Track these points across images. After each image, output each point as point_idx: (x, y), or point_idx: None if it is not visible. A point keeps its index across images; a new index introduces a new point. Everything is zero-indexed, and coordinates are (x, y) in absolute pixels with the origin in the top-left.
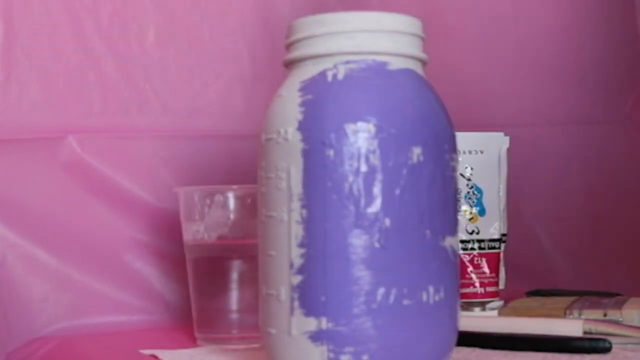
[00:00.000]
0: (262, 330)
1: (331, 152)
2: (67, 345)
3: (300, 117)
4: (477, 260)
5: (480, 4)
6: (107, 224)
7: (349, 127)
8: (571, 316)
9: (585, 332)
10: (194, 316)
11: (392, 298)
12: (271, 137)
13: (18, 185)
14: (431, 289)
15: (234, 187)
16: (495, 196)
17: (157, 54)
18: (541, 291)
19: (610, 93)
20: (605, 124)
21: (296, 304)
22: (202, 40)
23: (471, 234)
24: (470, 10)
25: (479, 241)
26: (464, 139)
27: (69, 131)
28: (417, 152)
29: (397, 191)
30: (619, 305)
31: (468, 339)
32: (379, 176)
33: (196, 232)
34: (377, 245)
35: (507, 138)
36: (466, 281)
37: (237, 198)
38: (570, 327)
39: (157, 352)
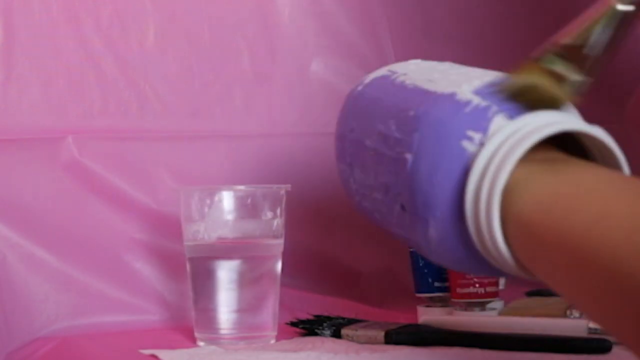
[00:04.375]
0: None
1: None
2: (67, 345)
3: None
4: None
5: (480, 7)
6: (107, 224)
7: None
8: (572, 316)
9: (590, 331)
10: (194, 316)
11: None
12: None
13: (18, 186)
14: None
15: (234, 187)
16: None
17: (157, 54)
18: (541, 291)
19: (610, 94)
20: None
21: None
22: (202, 40)
23: None
24: (470, 12)
25: None
26: None
27: (69, 132)
28: None
29: None
30: None
31: (468, 339)
32: None
33: (196, 232)
34: None
35: None
36: (466, 281)
37: (237, 198)
38: (574, 327)
39: (157, 352)
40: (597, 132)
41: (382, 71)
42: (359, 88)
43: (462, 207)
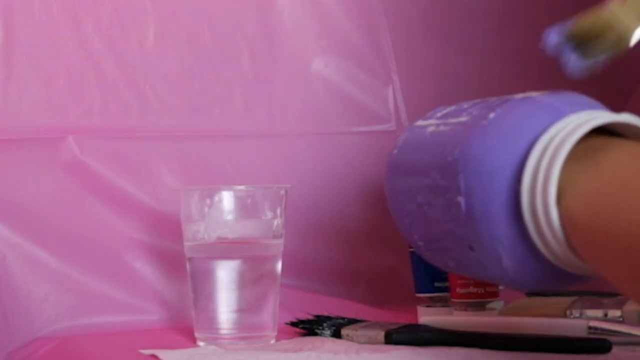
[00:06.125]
0: None
1: None
2: (67, 345)
3: None
4: None
5: (479, 7)
6: (107, 224)
7: None
8: (572, 316)
9: (590, 331)
10: (194, 316)
11: None
12: None
13: (18, 186)
14: None
15: (234, 187)
16: None
17: (157, 54)
18: (541, 291)
19: (610, 93)
20: None
21: None
22: (202, 40)
23: None
24: (469, 12)
25: None
26: None
27: (69, 131)
28: None
29: None
30: (619, 305)
31: (468, 339)
32: None
33: (196, 232)
34: None
35: None
36: (466, 281)
37: (237, 198)
38: (574, 327)
39: (157, 352)
40: (625, 118)
41: (413, 126)
42: (395, 152)
43: (525, 231)
